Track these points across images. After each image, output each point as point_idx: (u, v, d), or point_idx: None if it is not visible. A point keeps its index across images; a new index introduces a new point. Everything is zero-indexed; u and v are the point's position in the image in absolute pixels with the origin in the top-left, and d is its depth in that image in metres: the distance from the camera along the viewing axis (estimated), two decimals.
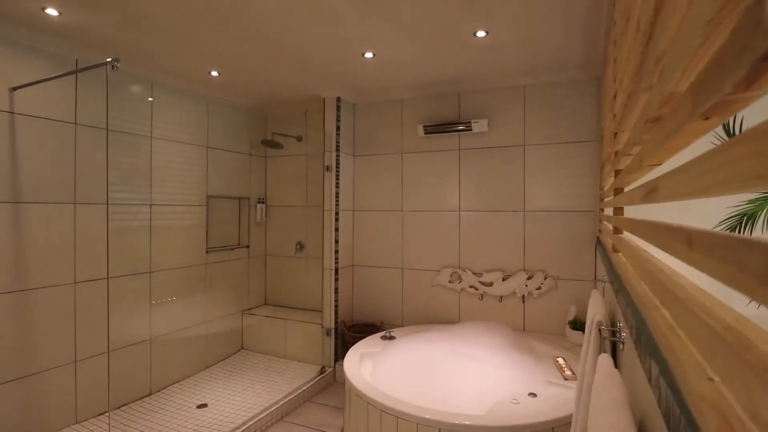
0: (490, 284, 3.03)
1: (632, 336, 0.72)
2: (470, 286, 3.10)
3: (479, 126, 3.02)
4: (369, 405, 1.95)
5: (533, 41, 2.33)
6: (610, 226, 1.71)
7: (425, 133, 3.20)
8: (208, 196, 3.37)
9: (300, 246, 3.81)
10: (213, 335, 3.42)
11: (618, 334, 0.94)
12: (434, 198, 3.28)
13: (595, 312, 1.07)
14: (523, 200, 2.98)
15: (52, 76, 2.13)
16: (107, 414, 2.57)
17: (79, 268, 2.47)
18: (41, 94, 2.28)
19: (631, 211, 1.26)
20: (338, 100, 3.37)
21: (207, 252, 3.35)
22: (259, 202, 3.89)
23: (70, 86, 2.43)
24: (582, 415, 1.02)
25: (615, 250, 1.44)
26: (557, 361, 2.37)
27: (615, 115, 1.42)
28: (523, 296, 2.95)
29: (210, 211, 3.38)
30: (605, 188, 2.08)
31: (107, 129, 2.59)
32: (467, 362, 2.36)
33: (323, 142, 3.37)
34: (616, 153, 1.40)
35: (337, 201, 3.36)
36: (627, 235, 1.31)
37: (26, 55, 2.23)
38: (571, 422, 1.80)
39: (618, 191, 1.39)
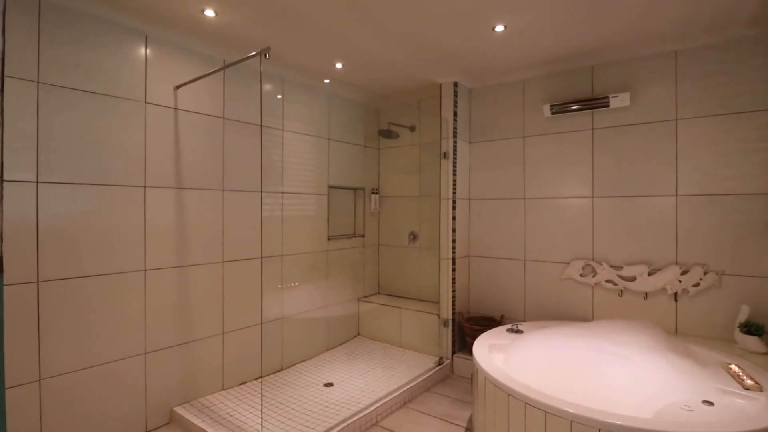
0: (633, 279, 2.69)
1: None
2: (607, 281, 2.79)
3: (618, 101, 2.69)
4: (510, 397, 1.82)
5: None
6: None
7: (552, 113, 2.96)
8: (329, 186, 3.51)
9: (413, 236, 3.79)
10: (333, 319, 3.56)
11: None
12: (562, 184, 3.02)
13: None
14: (675, 183, 2.59)
15: (208, 72, 2.35)
16: (246, 384, 2.80)
17: (226, 249, 2.71)
18: (196, 91, 2.54)
19: None
20: (455, 85, 3.27)
21: (328, 240, 3.49)
22: (373, 193, 3.96)
23: (219, 84, 2.67)
24: None
25: None
26: (731, 369, 2.00)
27: None
28: (676, 293, 2.57)
29: (330, 201, 3.52)
30: None
31: (261, 125, 2.88)
32: (615, 361, 2.10)
33: (439, 129, 3.30)
34: None
35: (454, 189, 3.27)
36: None
37: (183, 57, 2.50)
38: None
39: None
